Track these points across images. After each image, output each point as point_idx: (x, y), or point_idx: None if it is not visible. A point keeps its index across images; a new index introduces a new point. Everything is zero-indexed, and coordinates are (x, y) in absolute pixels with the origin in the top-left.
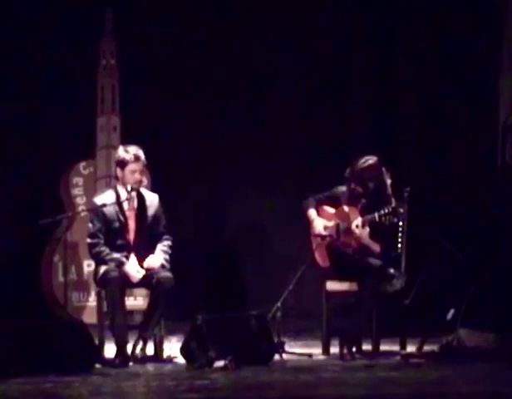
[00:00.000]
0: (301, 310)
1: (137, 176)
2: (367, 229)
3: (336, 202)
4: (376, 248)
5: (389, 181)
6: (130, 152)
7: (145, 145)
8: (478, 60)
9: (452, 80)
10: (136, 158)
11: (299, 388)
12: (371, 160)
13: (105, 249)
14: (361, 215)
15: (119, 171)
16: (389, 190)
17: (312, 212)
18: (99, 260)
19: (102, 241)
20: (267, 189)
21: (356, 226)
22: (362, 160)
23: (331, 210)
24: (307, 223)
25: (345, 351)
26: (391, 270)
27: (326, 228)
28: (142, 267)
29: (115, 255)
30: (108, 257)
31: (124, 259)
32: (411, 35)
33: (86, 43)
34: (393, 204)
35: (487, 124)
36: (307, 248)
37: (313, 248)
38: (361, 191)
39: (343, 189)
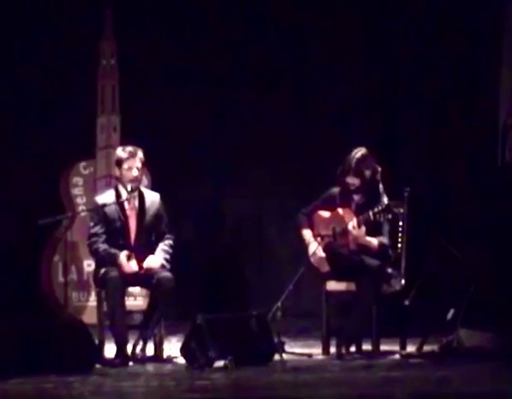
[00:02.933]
0: (301, 310)
1: (134, 173)
2: (364, 228)
3: (330, 204)
4: (374, 244)
5: (379, 169)
6: (125, 150)
7: (145, 145)
8: (478, 60)
9: (452, 79)
10: (132, 155)
11: (299, 388)
12: (361, 150)
13: (103, 245)
14: (356, 213)
15: (117, 170)
16: (379, 177)
17: (306, 233)
18: (99, 258)
19: (101, 239)
20: (266, 190)
21: (353, 227)
22: (354, 153)
23: (326, 215)
24: (301, 240)
25: (343, 350)
26: (389, 270)
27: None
28: (142, 267)
29: (111, 250)
30: (104, 252)
31: (117, 251)
32: (411, 35)
33: (86, 43)
34: (386, 202)
35: (487, 124)
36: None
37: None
38: (358, 184)
39: (336, 189)
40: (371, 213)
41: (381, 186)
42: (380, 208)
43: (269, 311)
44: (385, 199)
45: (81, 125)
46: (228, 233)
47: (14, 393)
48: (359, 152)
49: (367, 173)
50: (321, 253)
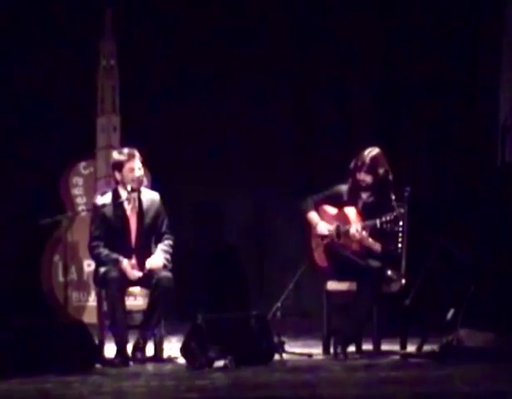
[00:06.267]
0: (301, 310)
1: (136, 173)
2: (367, 232)
3: (336, 201)
4: (377, 247)
5: (391, 176)
6: (123, 153)
7: (145, 145)
8: (478, 60)
9: (452, 80)
10: (131, 156)
11: (299, 388)
12: (375, 149)
13: (104, 251)
14: (363, 214)
15: (117, 174)
16: (391, 178)
17: (313, 215)
18: (99, 261)
19: (102, 243)
20: (266, 189)
21: (356, 230)
22: (368, 150)
23: (332, 211)
24: (307, 224)
25: (338, 350)
26: (389, 272)
27: (330, 231)
28: (143, 268)
29: (113, 255)
30: (105, 258)
31: (120, 257)
32: (411, 36)
33: (86, 43)
34: (395, 212)
35: (487, 124)
36: (306, 248)
37: (313, 249)
38: (369, 182)
39: (344, 187)
40: (378, 221)
41: (393, 196)
42: (388, 218)
43: (269, 311)
44: (395, 210)
45: (81, 125)
46: (229, 234)
47: (14, 393)
48: (374, 150)
49: (381, 171)
50: (330, 228)
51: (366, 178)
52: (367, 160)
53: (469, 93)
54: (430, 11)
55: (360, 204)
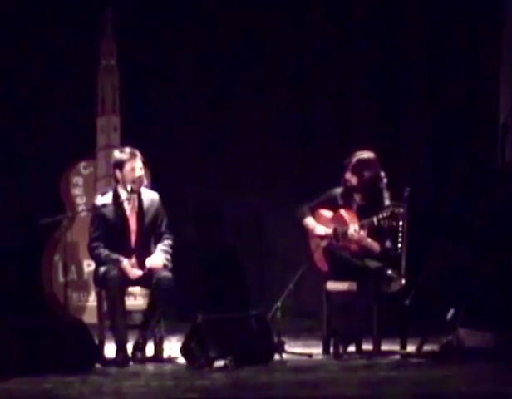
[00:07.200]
0: (301, 310)
1: (137, 173)
2: (365, 232)
3: (332, 204)
4: (376, 247)
5: (385, 180)
6: (125, 152)
7: (145, 145)
8: (478, 60)
9: (452, 80)
10: (133, 155)
11: (299, 388)
12: (368, 153)
13: (104, 251)
14: (358, 216)
15: (118, 173)
16: (383, 185)
17: (309, 220)
18: (99, 262)
19: (102, 244)
20: (266, 190)
21: (355, 231)
22: (360, 152)
23: (328, 214)
24: (305, 231)
25: (340, 350)
26: (389, 272)
27: (328, 233)
28: (144, 267)
29: (113, 255)
30: (105, 258)
31: (120, 257)
32: (410, 35)
33: (86, 43)
34: (392, 208)
35: (487, 124)
36: (306, 250)
37: (312, 251)
38: (355, 183)
39: (338, 190)
40: (375, 219)
41: (386, 194)
42: (385, 214)
43: (269, 311)
44: (389, 206)
45: (81, 125)
46: (229, 233)
47: (14, 393)
48: (365, 154)
49: (366, 174)
50: (328, 230)
51: (351, 178)
52: (354, 160)
53: (469, 93)
54: (430, 11)
55: (354, 207)
